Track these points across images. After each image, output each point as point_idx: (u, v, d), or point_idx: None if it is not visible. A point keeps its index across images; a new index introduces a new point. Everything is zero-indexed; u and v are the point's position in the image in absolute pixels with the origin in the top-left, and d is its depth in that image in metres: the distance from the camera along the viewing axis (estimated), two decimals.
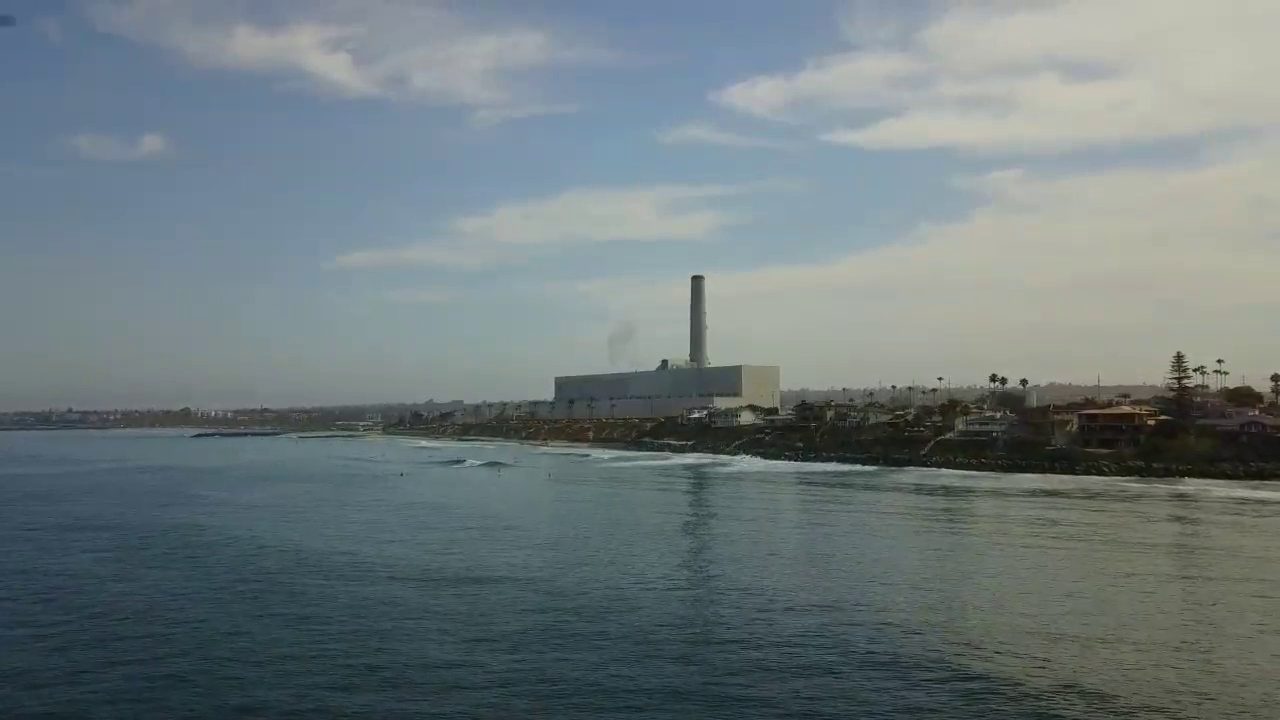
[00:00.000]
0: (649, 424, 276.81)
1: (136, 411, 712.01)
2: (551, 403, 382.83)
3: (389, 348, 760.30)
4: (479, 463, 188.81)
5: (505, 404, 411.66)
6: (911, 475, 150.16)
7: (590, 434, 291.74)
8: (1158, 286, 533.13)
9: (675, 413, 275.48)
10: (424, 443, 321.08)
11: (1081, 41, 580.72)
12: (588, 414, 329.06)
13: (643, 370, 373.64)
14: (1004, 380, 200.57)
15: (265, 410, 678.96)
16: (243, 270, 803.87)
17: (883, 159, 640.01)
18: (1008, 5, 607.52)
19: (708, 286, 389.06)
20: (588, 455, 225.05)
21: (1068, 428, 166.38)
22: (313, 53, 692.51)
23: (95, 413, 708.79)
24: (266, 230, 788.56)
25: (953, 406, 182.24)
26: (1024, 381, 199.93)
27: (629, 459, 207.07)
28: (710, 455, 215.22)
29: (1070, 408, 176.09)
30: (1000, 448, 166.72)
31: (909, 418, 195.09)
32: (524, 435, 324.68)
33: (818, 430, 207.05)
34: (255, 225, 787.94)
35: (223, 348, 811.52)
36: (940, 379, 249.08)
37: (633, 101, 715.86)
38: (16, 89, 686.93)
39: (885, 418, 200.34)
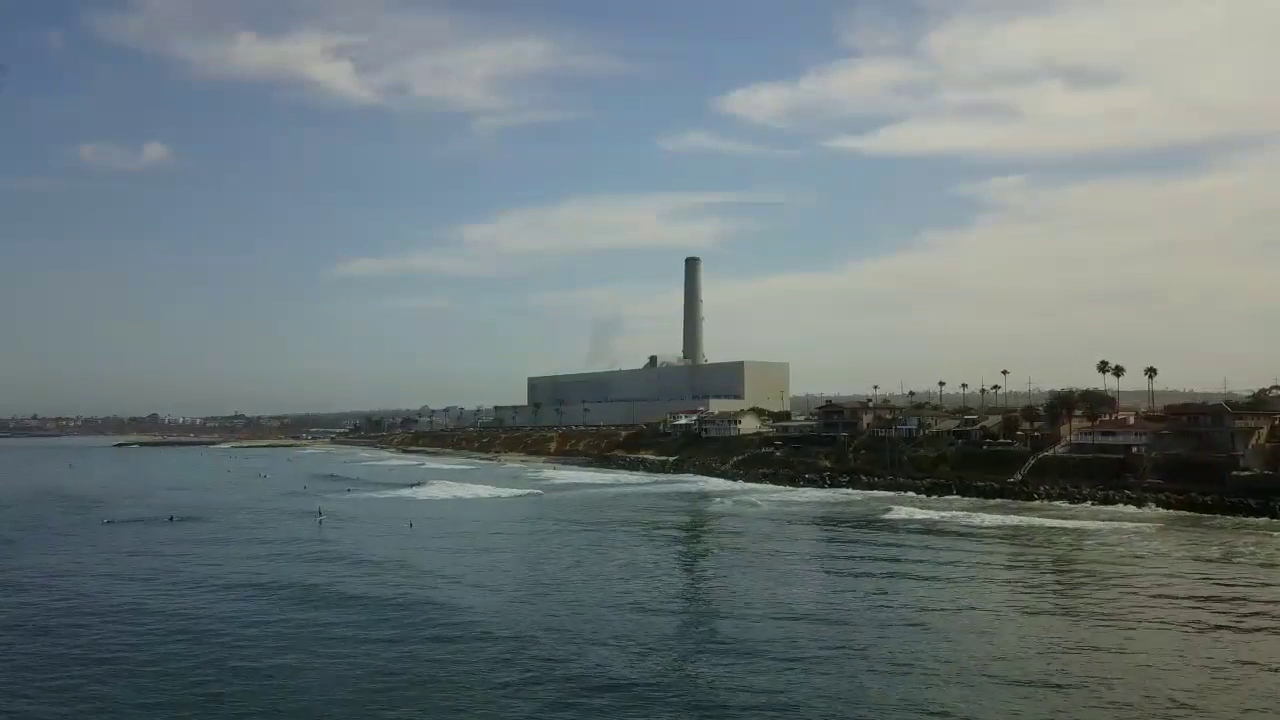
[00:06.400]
0: (624, 432, 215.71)
1: (97, 419, 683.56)
2: (514, 408, 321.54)
3: (388, 355, 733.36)
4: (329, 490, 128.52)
5: (462, 409, 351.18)
6: (1026, 515, 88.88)
7: (553, 445, 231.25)
8: (1158, 295, 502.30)
9: (661, 418, 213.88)
10: (365, 455, 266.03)
11: (1083, 49, 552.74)
12: (557, 420, 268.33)
13: (627, 369, 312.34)
14: (1119, 370, 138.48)
15: (238, 417, 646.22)
16: (243, 277, 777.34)
17: (885, 165, 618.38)
18: (1009, 13, 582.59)
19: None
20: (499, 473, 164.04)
21: (1254, 439, 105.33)
22: (315, 61, 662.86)
23: (55, 419, 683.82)
24: (267, 238, 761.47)
25: (1064, 407, 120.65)
26: (1151, 371, 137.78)
27: (578, 484, 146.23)
28: (699, 476, 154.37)
29: (1253, 410, 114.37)
30: (1148, 469, 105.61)
31: (987, 426, 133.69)
32: (476, 446, 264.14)
33: (850, 442, 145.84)
34: (256, 233, 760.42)
35: (221, 354, 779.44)
36: (1005, 372, 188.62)
37: (634, 109, 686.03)
38: (19, 98, 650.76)
39: (951, 424, 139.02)
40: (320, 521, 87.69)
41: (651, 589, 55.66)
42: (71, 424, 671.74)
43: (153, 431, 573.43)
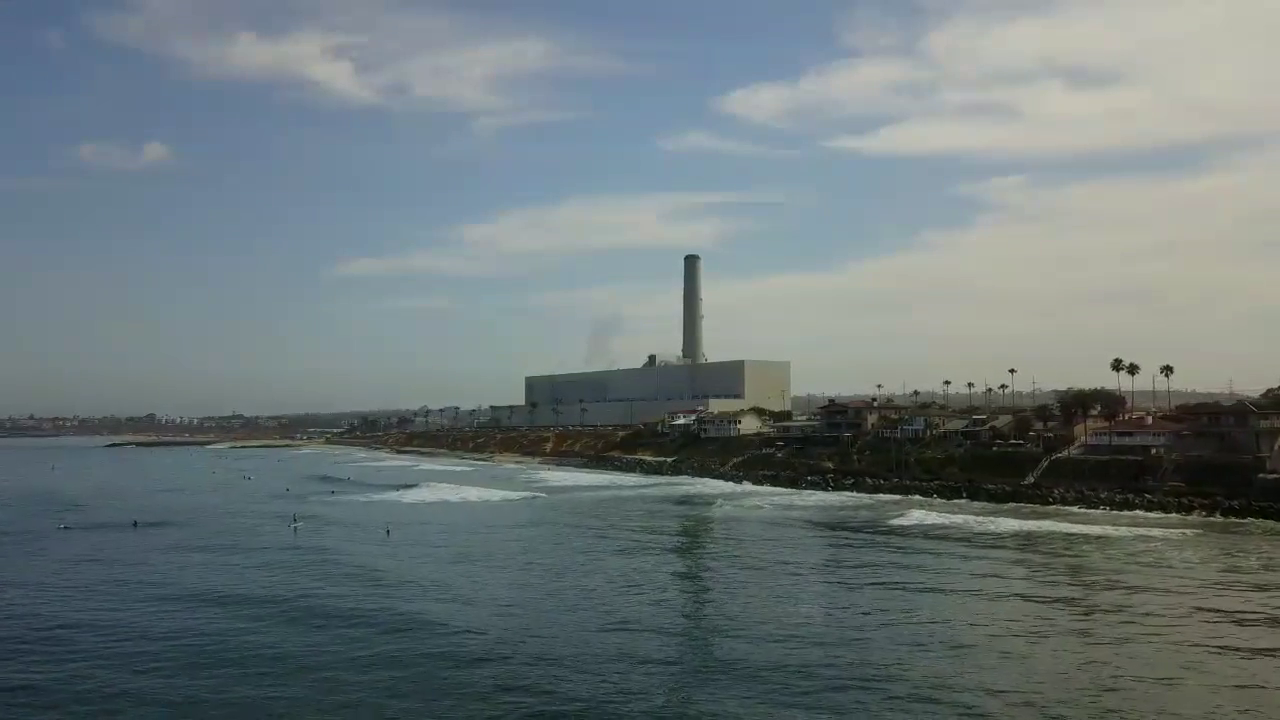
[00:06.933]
0: (622, 432, 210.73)
1: (94, 419, 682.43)
2: (510, 408, 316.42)
3: (388, 355, 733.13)
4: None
5: (457, 409, 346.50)
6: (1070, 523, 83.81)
7: (549, 445, 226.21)
8: (1158, 295, 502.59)
9: (659, 418, 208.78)
10: (360, 455, 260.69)
11: (1083, 49, 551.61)
12: (554, 420, 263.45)
13: (625, 368, 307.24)
14: (1133, 368, 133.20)
15: (236, 417, 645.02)
16: (243, 277, 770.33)
17: (885, 165, 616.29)
18: (1009, 13, 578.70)
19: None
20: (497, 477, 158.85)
21: None
22: (315, 61, 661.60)
23: (52, 419, 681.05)
24: (267, 238, 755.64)
25: (1079, 406, 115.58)
26: (1168, 370, 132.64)
27: (572, 486, 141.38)
28: (697, 478, 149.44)
29: (1278, 409, 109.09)
30: (1168, 471, 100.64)
31: (997, 426, 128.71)
32: (471, 446, 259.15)
33: (854, 443, 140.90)
34: (256, 233, 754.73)
35: (221, 354, 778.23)
36: (1013, 371, 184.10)
37: (634, 109, 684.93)
38: (19, 98, 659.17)
39: (959, 424, 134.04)
40: (295, 529, 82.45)
41: (644, 605, 50.63)
42: (68, 424, 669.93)
43: (149, 432, 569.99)
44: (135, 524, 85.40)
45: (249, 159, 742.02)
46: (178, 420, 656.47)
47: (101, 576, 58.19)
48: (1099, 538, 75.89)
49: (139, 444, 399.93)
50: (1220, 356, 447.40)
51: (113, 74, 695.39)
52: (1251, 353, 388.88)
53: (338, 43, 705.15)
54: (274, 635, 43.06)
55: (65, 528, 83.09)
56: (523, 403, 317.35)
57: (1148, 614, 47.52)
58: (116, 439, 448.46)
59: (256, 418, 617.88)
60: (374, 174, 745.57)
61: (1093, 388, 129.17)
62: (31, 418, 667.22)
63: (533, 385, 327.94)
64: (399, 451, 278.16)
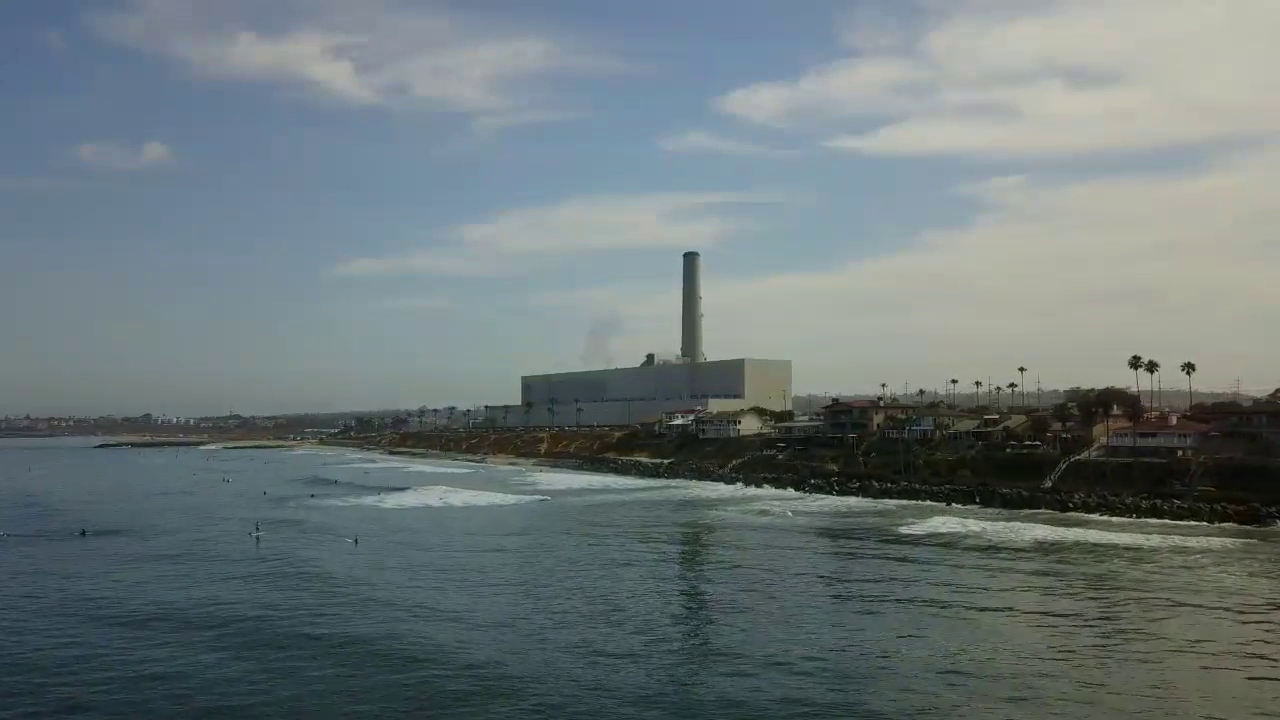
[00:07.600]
0: (618, 433, 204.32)
1: (90, 419, 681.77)
2: (506, 408, 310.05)
3: (388, 355, 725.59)
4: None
5: (453, 409, 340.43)
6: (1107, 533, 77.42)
7: (544, 446, 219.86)
8: (1158, 295, 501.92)
9: (657, 418, 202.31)
10: (352, 456, 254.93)
11: (1083, 49, 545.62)
12: (550, 420, 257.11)
13: (623, 367, 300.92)
14: (1152, 365, 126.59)
15: (233, 417, 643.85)
16: (243, 277, 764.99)
17: (885, 165, 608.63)
18: (1009, 13, 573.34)
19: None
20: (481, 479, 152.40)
21: None
22: (315, 61, 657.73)
23: (48, 419, 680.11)
24: (267, 238, 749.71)
25: (1100, 406, 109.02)
26: (1189, 367, 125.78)
27: (566, 490, 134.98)
28: (695, 480, 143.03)
29: None
30: (1197, 475, 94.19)
31: (1010, 426, 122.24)
32: (465, 447, 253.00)
33: (859, 445, 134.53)
34: (256, 233, 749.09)
35: (220, 354, 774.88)
36: (1022, 369, 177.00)
37: (634, 109, 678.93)
38: (19, 98, 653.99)
39: (969, 425, 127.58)
40: (257, 538, 76.08)
41: (631, 631, 44.40)
42: (64, 424, 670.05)
43: (145, 432, 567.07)
44: (83, 532, 79.11)
45: (249, 159, 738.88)
46: (174, 420, 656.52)
47: (20, 593, 51.99)
48: (1130, 548, 69.62)
49: (132, 445, 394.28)
50: (1220, 357, 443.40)
51: (113, 74, 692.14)
52: (1252, 353, 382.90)
53: (338, 43, 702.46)
54: (203, 664, 37.21)
55: (5, 535, 76.78)
56: (519, 403, 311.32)
57: (1200, 639, 41.43)
58: (110, 439, 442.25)
59: (253, 418, 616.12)
60: (374, 174, 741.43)
61: (1100, 387, 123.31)
62: (28, 418, 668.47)
63: (529, 385, 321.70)
64: (391, 452, 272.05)
